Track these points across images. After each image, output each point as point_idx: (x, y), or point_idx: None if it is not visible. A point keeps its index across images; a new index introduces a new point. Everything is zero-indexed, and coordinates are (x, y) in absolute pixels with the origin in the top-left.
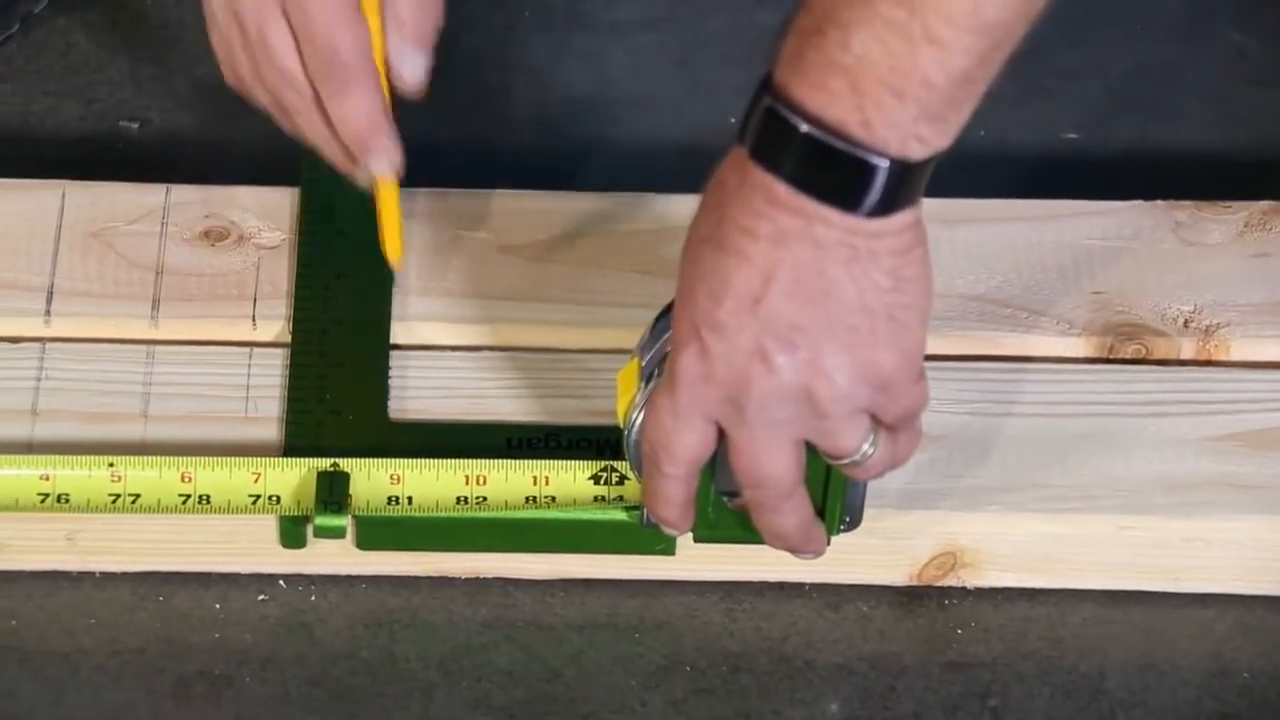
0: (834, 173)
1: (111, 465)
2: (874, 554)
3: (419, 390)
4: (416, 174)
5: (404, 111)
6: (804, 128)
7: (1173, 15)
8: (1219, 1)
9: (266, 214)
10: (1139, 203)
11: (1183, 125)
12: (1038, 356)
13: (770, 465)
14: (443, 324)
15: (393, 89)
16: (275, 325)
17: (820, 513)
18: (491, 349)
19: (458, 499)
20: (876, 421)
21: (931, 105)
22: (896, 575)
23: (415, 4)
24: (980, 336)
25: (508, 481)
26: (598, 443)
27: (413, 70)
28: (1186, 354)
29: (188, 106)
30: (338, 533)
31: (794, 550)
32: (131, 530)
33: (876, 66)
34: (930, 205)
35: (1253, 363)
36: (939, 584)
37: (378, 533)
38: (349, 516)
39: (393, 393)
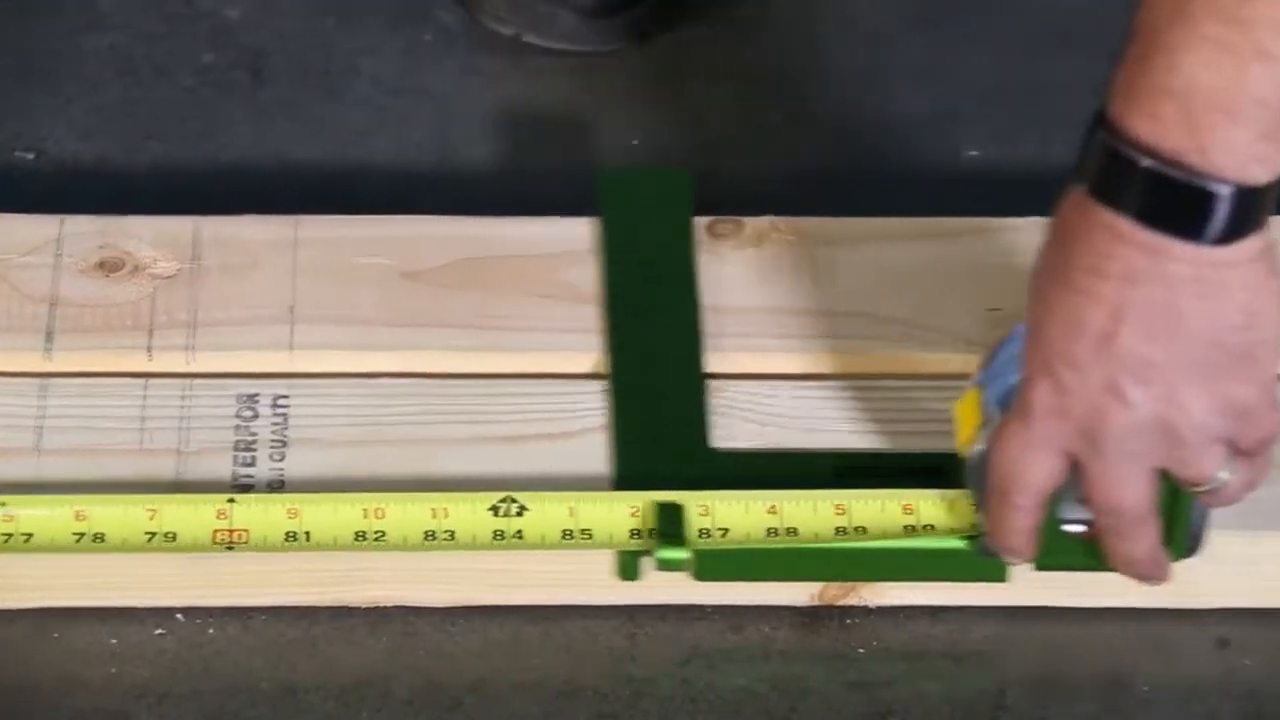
0: (1176, 204)
1: (3, 505)
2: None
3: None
4: (309, 200)
5: (301, 136)
6: (1144, 162)
7: (1070, 31)
8: (1117, 17)
9: (162, 243)
10: (1038, 219)
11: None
12: (935, 374)
13: (1125, 494)
14: (339, 351)
15: None
16: (172, 356)
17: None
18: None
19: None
20: (1232, 448)
21: (1266, 124)
22: (798, 595)
23: None
24: (877, 355)
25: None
26: (923, 469)
27: None
28: None
29: (84, 136)
30: (680, 566)
31: (1141, 577)
32: (25, 566)
33: (1207, 89)
34: (830, 224)
35: None
36: (840, 603)
37: (717, 564)
38: (689, 550)
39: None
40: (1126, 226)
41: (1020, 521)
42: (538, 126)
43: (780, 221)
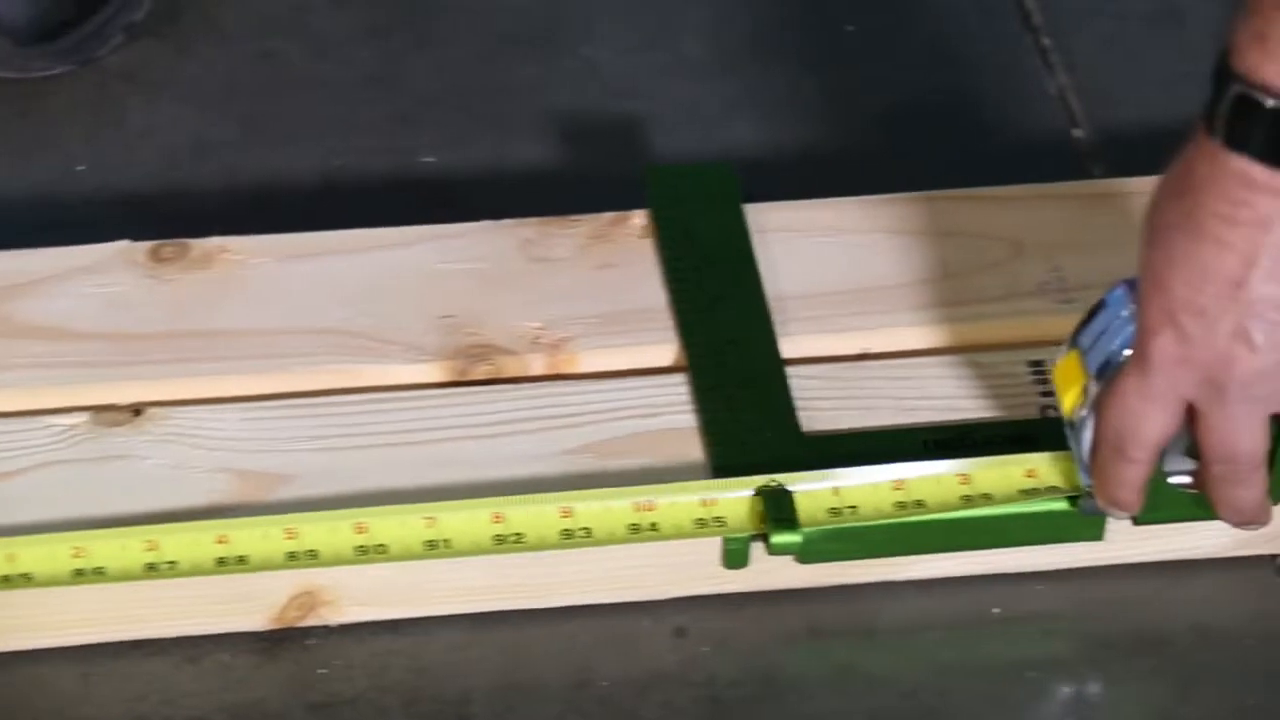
0: None
1: None
2: (229, 602)
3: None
4: None
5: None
6: (1274, 104)
7: (524, 32)
8: (573, 17)
9: None
10: (487, 223)
11: (536, 142)
12: (391, 385)
13: (1245, 441)
14: None
15: None
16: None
17: None
18: None
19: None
20: None
21: None
22: (255, 620)
23: None
24: (333, 370)
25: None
26: (1012, 437)
27: None
28: (536, 370)
29: None
30: (793, 549)
31: (1247, 524)
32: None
33: None
34: (273, 240)
35: (599, 373)
36: (301, 624)
37: (823, 546)
38: (800, 533)
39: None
40: (1261, 173)
41: (1134, 475)
42: None
43: (229, 242)
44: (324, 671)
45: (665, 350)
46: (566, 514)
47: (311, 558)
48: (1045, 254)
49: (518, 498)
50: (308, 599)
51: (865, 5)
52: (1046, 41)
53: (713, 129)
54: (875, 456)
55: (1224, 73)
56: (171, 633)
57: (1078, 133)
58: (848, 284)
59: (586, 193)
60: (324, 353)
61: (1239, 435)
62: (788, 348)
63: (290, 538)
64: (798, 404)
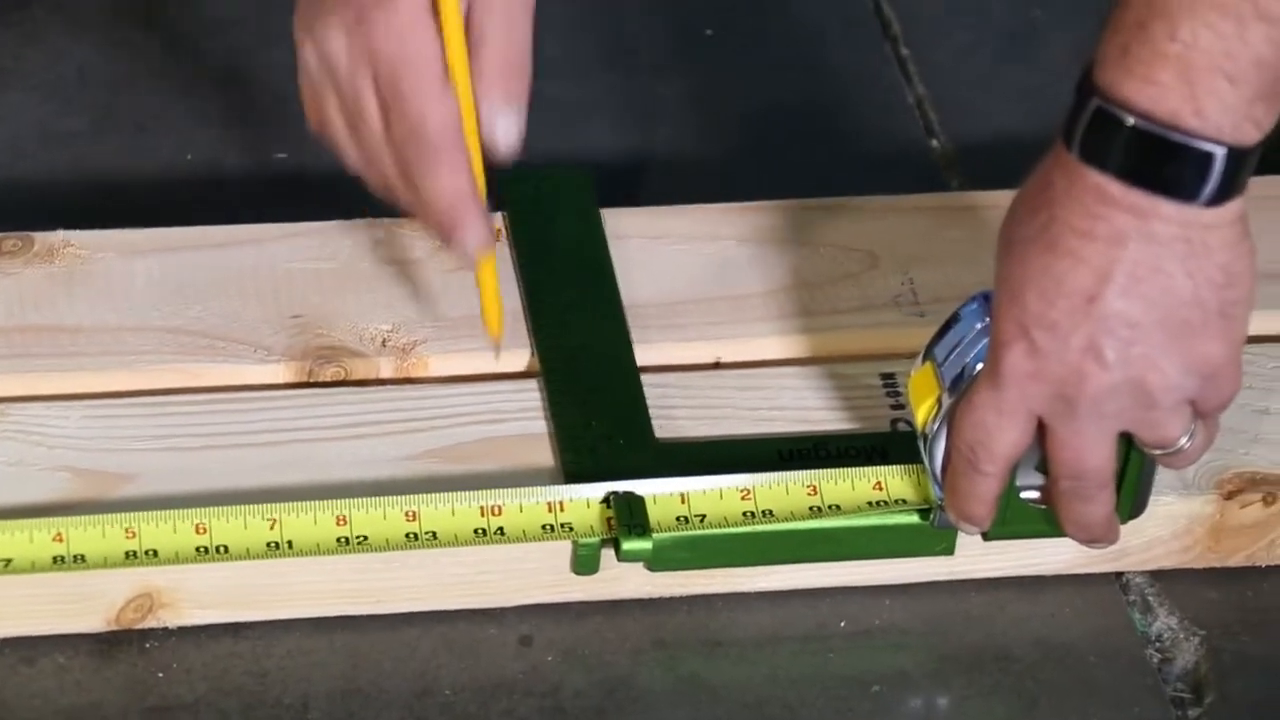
0: (1170, 166)
1: None
2: (66, 602)
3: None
4: None
5: None
6: (1133, 122)
7: None
8: None
9: None
10: (340, 222)
11: None
12: (237, 385)
13: (1093, 458)
14: None
15: (486, 154)
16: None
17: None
18: None
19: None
20: (1195, 410)
21: (1264, 86)
22: (93, 622)
23: (504, 65)
24: (178, 369)
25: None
26: (865, 450)
27: (506, 134)
28: (386, 373)
29: None
30: (643, 556)
31: (1094, 541)
32: None
33: (1207, 52)
34: (119, 235)
35: (448, 378)
36: (140, 627)
37: (673, 554)
38: (650, 540)
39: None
40: (1117, 189)
41: (985, 489)
42: None
43: (74, 236)
44: (162, 675)
45: (518, 356)
46: (412, 517)
47: (151, 557)
48: (899, 265)
49: (362, 500)
50: (146, 600)
51: (725, 11)
52: (905, 51)
53: (571, 133)
54: (728, 466)
55: (1085, 87)
56: (6, 633)
57: (935, 143)
58: (703, 292)
59: None
60: (169, 351)
61: (1087, 452)
62: (643, 355)
63: (130, 537)
64: (652, 411)
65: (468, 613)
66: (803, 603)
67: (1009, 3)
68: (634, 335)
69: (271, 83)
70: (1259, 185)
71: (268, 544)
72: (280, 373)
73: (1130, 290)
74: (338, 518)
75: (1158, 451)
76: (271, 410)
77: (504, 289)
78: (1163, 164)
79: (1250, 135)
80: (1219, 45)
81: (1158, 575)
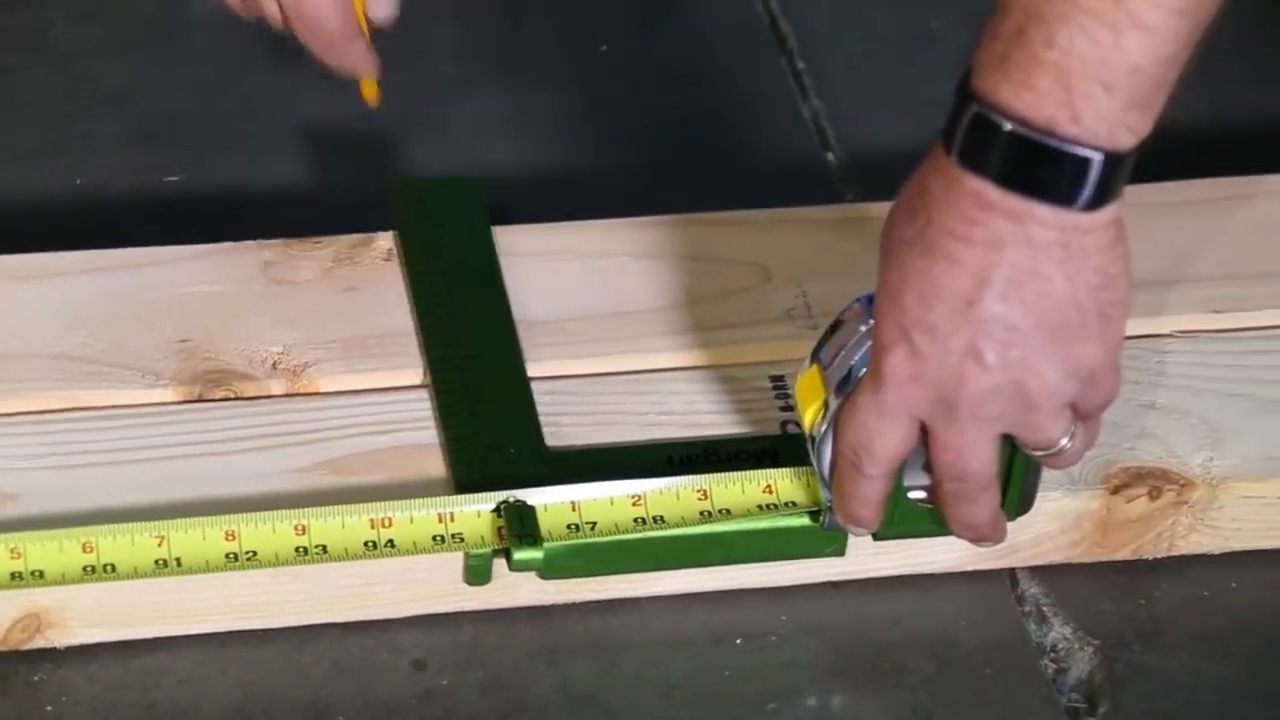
0: (1048, 171)
1: None
2: None
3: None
4: None
5: None
6: (1011, 127)
7: (273, 50)
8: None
9: None
10: (228, 244)
11: (285, 162)
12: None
13: (975, 460)
14: None
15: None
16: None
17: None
18: None
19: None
20: (1075, 412)
21: (1139, 93)
22: None
23: None
24: (65, 396)
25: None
26: (756, 453)
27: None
28: (276, 395)
29: None
30: (535, 565)
31: (981, 540)
32: None
33: (1083, 59)
34: (5, 261)
35: (338, 393)
36: (27, 647)
37: (565, 562)
38: (541, 549)
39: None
40: (995, 193)
41: (871, 491)
42: None
43: None
44: (51, 708)
45: (410, 374)
46: (301, 531)
47: (37, 578)
48: (792, 278)
49: (251, 515)
50: (33, 620)
51: (620, 26)
52: (801, 65)
53: (465, 149)
54: (620, 472)
55: (964, 93)
56: None
57: (830, 156)
58: (595, 308)
59: (335, 213)
60: (56, 378)
61: (969, 454)
62: (534, 371)
63: (15, 557)
64: (542, 420)
65: (362, 632)
66: (699, 609)
67: (905, 14)
68: (527, 353)
69: (162, 106)
70: (1134, 192)
71: (156, 561)
72: (169, 398)
73: (1009, 294)
74: (226, 533)
75: (1039, 453)
76: (158, 426)
77: (395, 300)
78: (1040, 169)
79: (1125, 141)
80: (1095, 52)
81: (1052, 586)
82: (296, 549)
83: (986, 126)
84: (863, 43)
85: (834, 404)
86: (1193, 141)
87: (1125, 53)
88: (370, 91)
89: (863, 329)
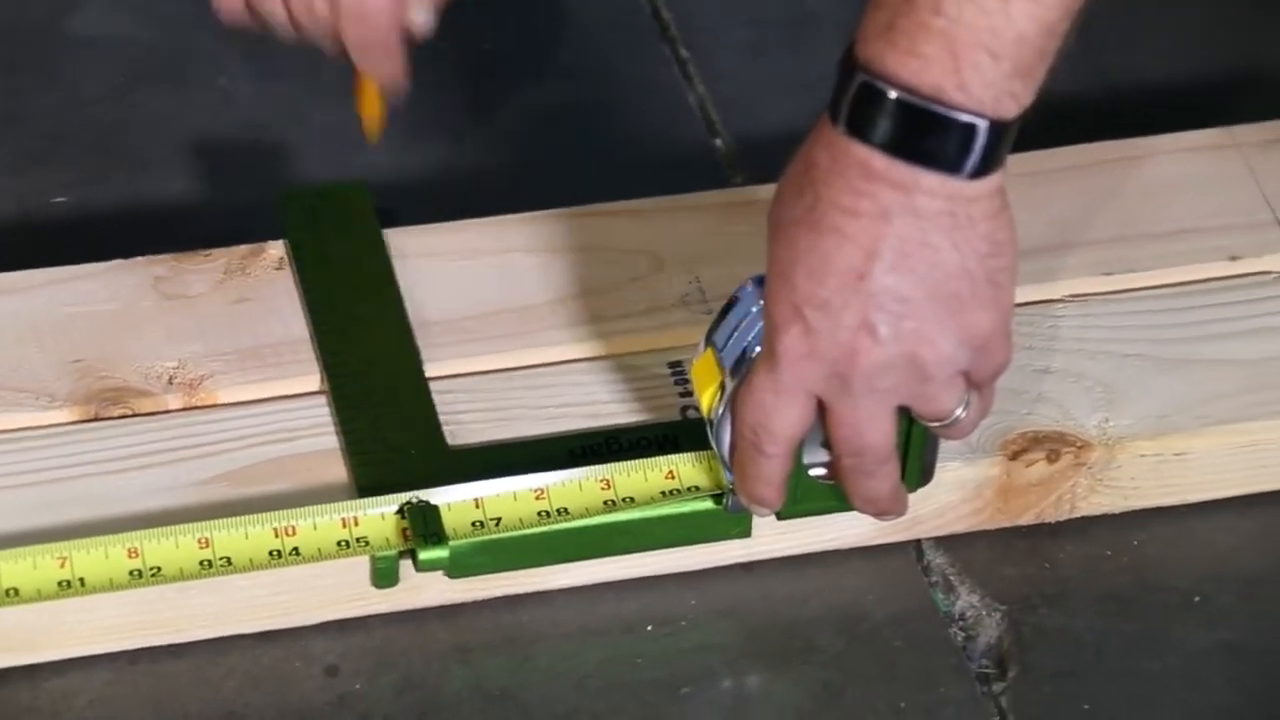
0: (934, 138)
1: None
2: None
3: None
4: None
5: None
6: (897, 95)
7: (156, 67)
8: (206, 50)
9: None
10: (117, 262)
11: (172, 177)
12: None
13: (872, 434)
14: None
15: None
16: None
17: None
18: None
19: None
20: (968, 381)
21: (1024, 60)
22: None
23: None
24: None
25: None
26: (658, 440)
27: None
28: (174, 410)
29: None
30: (441, 564)
31: (884, 513)
32: None
33: (970, 27)
34: None
35: (237, 404)
36: None
37: (472, 560)
38: (447, 548)
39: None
40: (881, 162)
41: (771, 470)
42: None
43: None
44: None
45: (308, 382)
46: (205, 544)
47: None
48: (685, 265)
49: (153, 531)
50: None
51: (503, 22)
52: (685, 52)
53: (353, 154)
54: (522, 466)
55: (849, 62)
56: None
57: (718, 142)
58: (490, 305)
59: (226, 225)
60: None
61: (866, 428)
62: (432, 372)
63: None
64: (442, 418)
65: (273, 643)
66: (609, 598)
67: None
68: (424, 353)
69: (45, 127)
70: (1020, 160)
71: (59, 583)
72: (65, 418)
73: (899, 265)
74: (129, 550)
75: (935, 423)
76: (55, 448)
77: (289, 308)
78: (926, 136)
79: (1009, 109)
80: (983, 20)
81: (957, 555)
82: (201, 562)
83: (873, 94)
84: (745, 28)
85: (730, 386)
86: (1075, 106)
87: (1012, 21)
88: (372, 124)
89: (754, 309)
